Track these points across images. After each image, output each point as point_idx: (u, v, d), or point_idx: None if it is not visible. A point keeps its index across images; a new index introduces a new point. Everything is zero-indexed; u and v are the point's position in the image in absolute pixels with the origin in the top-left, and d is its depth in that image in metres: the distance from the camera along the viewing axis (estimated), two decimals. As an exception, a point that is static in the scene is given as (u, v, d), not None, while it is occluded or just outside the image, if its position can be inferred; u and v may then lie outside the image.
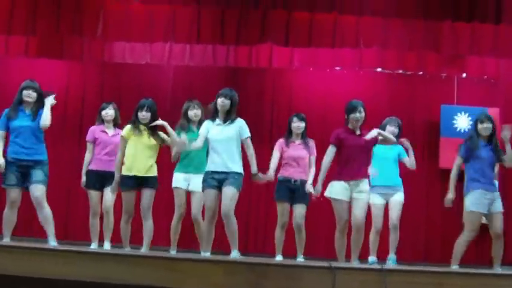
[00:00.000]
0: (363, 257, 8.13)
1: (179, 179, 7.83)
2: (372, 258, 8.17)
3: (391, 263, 8.09)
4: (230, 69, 11.41)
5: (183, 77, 11.64)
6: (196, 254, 7.10)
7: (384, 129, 8.23)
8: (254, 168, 7.05)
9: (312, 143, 8.24)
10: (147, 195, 7.43)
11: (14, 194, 7.12)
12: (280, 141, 8.21)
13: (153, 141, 7.46)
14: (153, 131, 7.49)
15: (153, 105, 7.55)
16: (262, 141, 11.29)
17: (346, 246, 7.29)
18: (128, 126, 7.47)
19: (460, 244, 7.37)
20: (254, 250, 10.88)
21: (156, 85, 11.36)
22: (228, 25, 10.26)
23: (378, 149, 8.21)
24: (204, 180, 6.97)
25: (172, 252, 7.79)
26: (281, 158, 8.15)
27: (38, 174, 7.12)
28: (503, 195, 10.28)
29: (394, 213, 8.26)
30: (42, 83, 11.00)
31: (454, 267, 7.22)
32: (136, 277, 5.74)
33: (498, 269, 7.38)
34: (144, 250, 7.31)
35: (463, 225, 7.42)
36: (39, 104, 7.25)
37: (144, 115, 7.43)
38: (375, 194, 8.17)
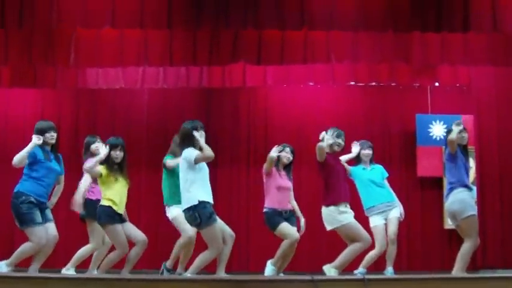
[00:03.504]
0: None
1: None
2: (363, 270, 8.17)
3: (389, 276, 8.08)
4: (204, 90, 11.42)
5: (157, 100, 11.66)
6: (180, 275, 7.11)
7: (359, 154, 8.42)
8: None
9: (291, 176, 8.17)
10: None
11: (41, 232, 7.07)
12: (264, 170, 7.88)
13: (125, 180, 7.42)
14: (123, 170, 7.44)
15: (124, 144, 7.49)
16: (239, 161, 11.35)
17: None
18: (103, 166, 7.27)
19: None
20: (237, 268, 10.87)
21: (131, 109, 11.40)
22: (199, 46, 10.27)
23: (359, 172, 8.32)
24: (212, 213, 6.73)
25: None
26: (266, 183, 7.87)
27: (49, 212, 7.24)
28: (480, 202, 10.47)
29: (392, 228, 8.32)
30: (17, 113, 11.17)
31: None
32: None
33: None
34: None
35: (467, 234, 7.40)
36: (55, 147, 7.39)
37: (118, 154, 7.34)
38: (375, 216, 8.26)
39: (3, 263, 7.05)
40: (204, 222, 6.68)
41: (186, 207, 6.79)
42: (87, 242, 8.09)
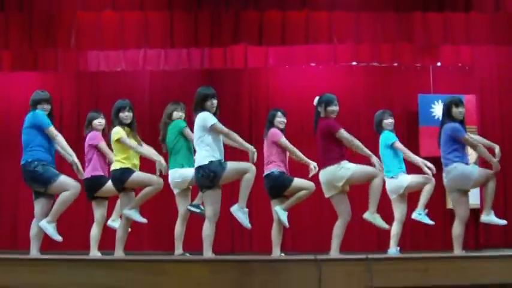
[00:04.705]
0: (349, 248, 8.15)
1: None
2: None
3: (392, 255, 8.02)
4: (206, 72, 11.44)
5: (159, 82, 11.66)
6: (180, 255, 7.11)
7: (381, 123, 8.23)
8: None
9: None
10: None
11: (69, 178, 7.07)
12: (279, 133, 7.88)
13: (136, 140, 7.41)
14: (133, 130, 7.43)
15: (132, 105, 7.50)
16: (242, 143, 11.33)
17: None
18: (119, 128, 7.29)
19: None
20: (240, 249, 10.89)
21: (133, 91, 11.34)
22: (201, 28, 10.29)
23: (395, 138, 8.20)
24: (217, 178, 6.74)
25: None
26: (275, 149, 7.85)
27: None
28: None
29: (403, 208, 8.23)
30: (19, 96, 11.15)
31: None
32: (120, 281, 5.72)
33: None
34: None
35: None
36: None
37: (127, 115, 7.33)
38: (404, 174, 8.14)
39: (44, 221, 6.99)
40: (208, 185, 6.71)
41: (197, 165, 6.77)
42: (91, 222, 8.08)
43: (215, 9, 10.15)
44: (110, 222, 7.92)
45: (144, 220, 7.24)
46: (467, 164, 7.31)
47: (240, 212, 6.90)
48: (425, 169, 7.97)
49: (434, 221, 8.34)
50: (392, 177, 8.00)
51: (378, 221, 7.19)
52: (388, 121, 8.24)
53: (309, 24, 10.34)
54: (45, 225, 6.92)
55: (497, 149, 7.43)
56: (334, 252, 7.08)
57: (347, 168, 7.02)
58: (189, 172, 7.26)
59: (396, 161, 8.11)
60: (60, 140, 7.04)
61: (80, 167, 7.29)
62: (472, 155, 7.75)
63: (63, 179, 6.97)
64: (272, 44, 10.63)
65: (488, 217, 7.39)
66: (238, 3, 10.11)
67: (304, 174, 7.71)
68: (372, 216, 7.14)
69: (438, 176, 7.80)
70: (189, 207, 7.49)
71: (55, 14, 10.17)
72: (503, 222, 7.43)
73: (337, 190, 7.06)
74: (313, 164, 7.72)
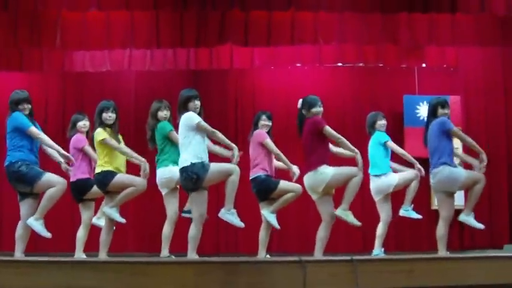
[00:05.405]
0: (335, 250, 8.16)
1: None
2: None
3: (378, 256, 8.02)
4: (191, 72, 11.44)
5: (145, 83, 11.63)
6: (164, 257, 7.09)
7: (374, 124, 8.23)
8: None
9: None
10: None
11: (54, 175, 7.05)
12: (264, 134, 7.83)
13: (118, 142, 7.37)
14: (116, 132, 7.39)
15: (116, 106, 7.46)
16: (227, 143, 11.32)
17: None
18: (101, 129, 7.24)
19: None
20: (225, 250, 10.87)
21: (118, 92, 11.32)
22: (187, 28, 10.27)
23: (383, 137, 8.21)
24: (200, 179, 6.69)
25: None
26: (260, 151, 7.80)
27: None
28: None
29: (388, 210, 8.23)
30: (3, 97, 11.05)
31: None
32: (105, 283, 5.70)
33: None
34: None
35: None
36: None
37: (110, 116, 7.30)
38: (392, 174, 8.13)
39: (32, 218, 6.94)
40: (192, 187, 6.67)
41: (181, 167, 6.73)
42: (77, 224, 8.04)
43: (201, 10, 10.11)
44: (94, 220, 7.87)
45: (122, 220, 7.17)
46: (454, 166, 7.34)
47: (228, 215, 6.85)
48: (418, 166, 8.00)
49: (420, 222, 8.36)
50: (380, 175, 8.01)
51: (350, 218, 7.15)
52: (382, 122, 8.26)
53: (294, 24, 10.36)
54: (32, 222, 6.88)
55: (483, 155, 7.45)
56: (318, 254, 7.07)
57: (326, 174, 7.00)
58: (177, 171, 7.23)
59: (386, 161, 8.14)
60: (43, 137, 6.99)
61: (70, 157, 7.22)
62: (456, 155, 7.77)
63: (48, 176, 6.93)
64: (258, 44, 10.64)
65: (467, 217, 7.45)
66: (224, 3, 10.07)
67: (290, 177, 7.69)
68: (344, 212, 7.09)
69: (424, 176, 7.83)
70: (183, 214, 7.46)
71: (40, 14, 10.11)
72: (481, 226, 7.47)
73: (320, 194, 7.06)
74: (295, 169, 7.71)
